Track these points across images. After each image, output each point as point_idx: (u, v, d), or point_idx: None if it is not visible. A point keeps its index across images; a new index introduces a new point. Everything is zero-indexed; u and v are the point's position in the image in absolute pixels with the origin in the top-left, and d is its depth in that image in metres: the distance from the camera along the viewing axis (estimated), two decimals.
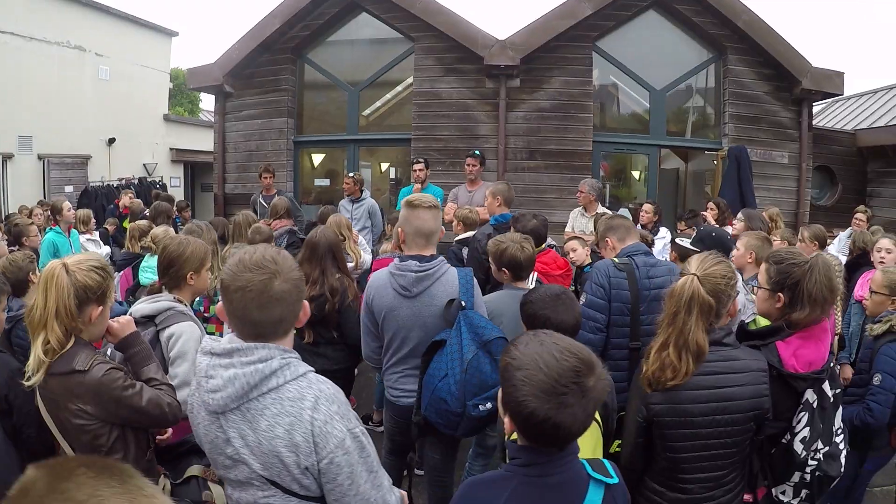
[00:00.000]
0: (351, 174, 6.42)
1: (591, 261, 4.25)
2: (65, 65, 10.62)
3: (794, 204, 7.51)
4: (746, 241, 3.21)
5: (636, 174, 9.22)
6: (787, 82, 7.29)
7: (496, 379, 2.07)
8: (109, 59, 11.38)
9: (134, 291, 3.81)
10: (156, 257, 3.79)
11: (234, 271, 1.30)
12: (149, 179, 11.83)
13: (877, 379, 2.56)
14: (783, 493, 2.02)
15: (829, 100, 9.59)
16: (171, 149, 13.10)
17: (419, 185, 6.03)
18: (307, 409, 1.28)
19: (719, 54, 7.42)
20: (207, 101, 22.47)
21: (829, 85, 7.27)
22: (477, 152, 5.82)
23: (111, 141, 11.43)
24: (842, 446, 2.00)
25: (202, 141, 14.21)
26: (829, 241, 4.88)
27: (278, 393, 1.29)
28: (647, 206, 5.89)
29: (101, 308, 1.77)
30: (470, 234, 4.25)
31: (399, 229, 2.43)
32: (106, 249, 6.15)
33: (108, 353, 1.98)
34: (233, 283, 1.29)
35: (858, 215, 5.97)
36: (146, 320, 2.20)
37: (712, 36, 7.28)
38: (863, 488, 2.78)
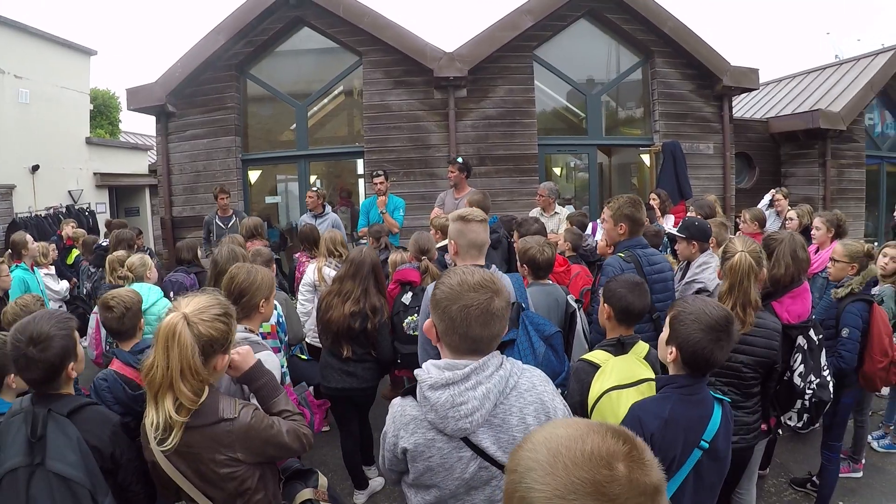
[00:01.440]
0: (314, 189, 6.37)
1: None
2: None
3: (721, 189, 8.23)
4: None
5: (557, 171, 9.75)
6: (709, 80, 7.99)
7: (563, 367, 2.42)
8: (29, 80, 10.59)
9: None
10: (136, 285, 3.74)
11: (458, 291, 1.43)
12: (76, 207, 11.12)
13: (845, 332, 3.08)
14: (790, 419, 2.68)
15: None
16: (95, 173, 12.30)
17: (383, 198, 6.13)
18: (542, 392, 1.48)
19: (646, 57, 8.01)
20: (128, 122, 21.37)
21: (747, 81, 8.03)
22: (459, 159, 5.86)
23: (35, 168, 10.67)
24: (828, 378, 2.64)
25: (126, 164, 13.61)
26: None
27: (516, 390, 1.46)
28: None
29: (226, 356, 1.69)
30: (445, 242, 4.48)
31: (452, 241, 2.51)
32: (64, 284, 5.85)
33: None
34: (455, 302, 1.42)
35: (779, 196, 6.64)
36: None
37: (640, 41, 7.86)
38: (844, 418, 3.36)
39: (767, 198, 6.59)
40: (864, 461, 3.76)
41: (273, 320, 3.08)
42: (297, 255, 5.40)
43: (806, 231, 5.29)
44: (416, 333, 3.37)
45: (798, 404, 2.61)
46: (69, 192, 11.44)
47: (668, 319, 1.85)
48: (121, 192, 13.46)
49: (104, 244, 6.05)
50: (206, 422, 1.59)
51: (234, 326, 1.72)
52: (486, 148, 7.38)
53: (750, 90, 8.58)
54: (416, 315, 3.50)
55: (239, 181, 7.70)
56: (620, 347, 2.26)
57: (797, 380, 2.59)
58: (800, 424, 2.66)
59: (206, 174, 7.75)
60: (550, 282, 3.24)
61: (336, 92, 8.17)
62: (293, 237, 7.87)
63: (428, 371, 1.45)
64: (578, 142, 7.98)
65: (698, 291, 3.45)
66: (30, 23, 10.75)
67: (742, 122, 9.48)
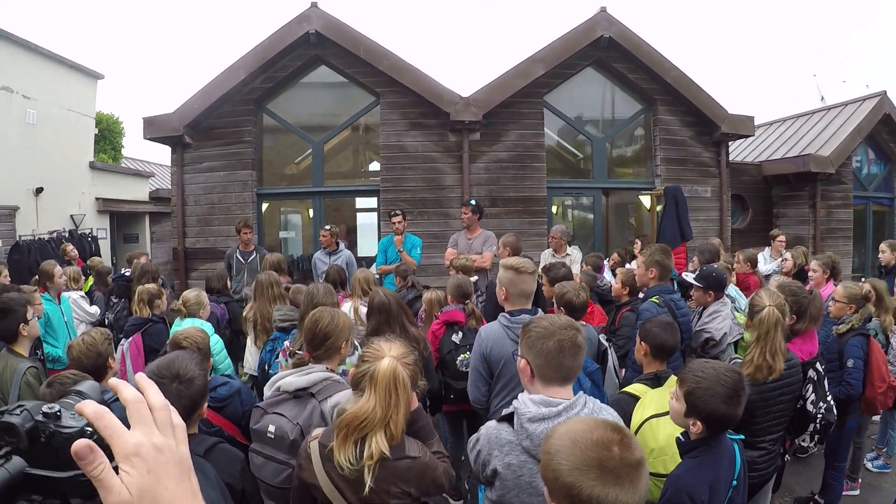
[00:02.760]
0: (327, 227, 6.47)
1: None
2: None
3: (718, 230, 8.59)
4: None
5: (553, 209, 10.05)
6: (708, 127, 8.38)
7: (603, 400, 2.68)
8: (37, 101, 10.60)
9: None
10: (188, 321, 3.84)
11: (550, 330, 1.76)
12: (79, 231, 11.09)
13: (850, 363, 3.50)
14: (803, 440, 3.06)
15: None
16: (97, 198, 12.29)
17: (399, 237, 6.34)
18: (607, 415, 1.75)
19: (649, 105, 8.38)
20: (131, 148, 21.22)
21: (743, 128, 8.45)
22: (472, 202, 6.13)
23: (39, 190, 10.66)
24: (832, 402, 3.03)
25: (127, 190, 13.61)
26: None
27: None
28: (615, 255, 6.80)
29: (414, 396, 1.85)
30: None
31: (503, 288, 2.78)
32: (95, 309, 5.86)
33: None
34: (550, 339, 1.74)
35: (780, 238, 7.13)
36: (301, 393, 2.24)
37: (644, 90, 8.23)
38: (848, 441, 3.78)
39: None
40: (860, 480, 4.20)
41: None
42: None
43: (800, 271, 5.73)
44: (467, 370, 3.53)
45: (810, 427, 2.97)
46: (71, 216, 11.41)
47: (682, 393, 1.98)
48: (121, 218, 13.42)
49: (125, 274, 6.10)
50: (394, 456, 1.73)
51: (419, 370, 1.92)
52: (498, 190, 7.65)
53: (746, 136, 9.00)
54: (467, 353, 3.67)
55: (254, 215, 7.82)
56: (656, 381, 2.57)
57: (809, 406, 2.95)
58: (812, 444, 3.11)
59: (221, 206, 7.87)
60: (584, 322, 3.56)
61: (349, 129, 8.37)
62: (296, 270, 8.00)
63: (526, 405, 1.71)
64: (585, 185, 8.30)
65: (706, 341, 3.79)
66: (38, 42, 10.75)
67: (736, 165, 9.91)
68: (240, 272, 6.69)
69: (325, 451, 1.78)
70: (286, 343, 3.52)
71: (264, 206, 8.22)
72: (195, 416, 1.88)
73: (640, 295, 4.11)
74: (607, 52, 8.00)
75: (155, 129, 7.86)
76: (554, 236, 6.41)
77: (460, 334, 3.85)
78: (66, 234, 10.67)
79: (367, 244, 9.52)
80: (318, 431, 1.91)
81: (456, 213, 7.50)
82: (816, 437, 3.01)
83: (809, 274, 5.24)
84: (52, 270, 5.16)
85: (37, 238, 10.15)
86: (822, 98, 12.97)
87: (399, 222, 6.30)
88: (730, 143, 9.30)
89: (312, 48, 7.67)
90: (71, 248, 7.83)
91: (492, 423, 1.81)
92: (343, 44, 7.46)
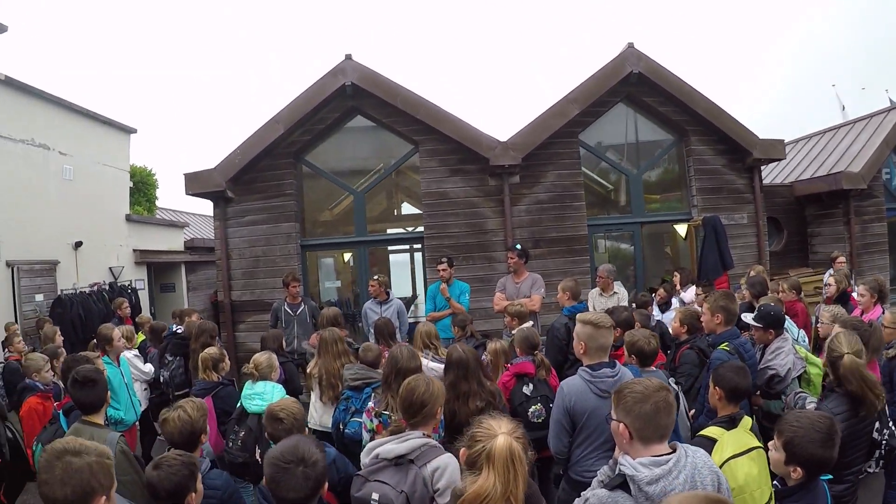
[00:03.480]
0: (376, 277, 6.56)
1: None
2: (30, 164, 9.99)
3: (757, 256, 8.61)
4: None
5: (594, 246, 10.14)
6: (740, 154, 8.42)
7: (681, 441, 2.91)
8: (73, 157, 10.87)
9: (240, 419, 3.82)
10: (260, 384, 3.90)
11: (645, 394, 1.92)
12: (119, 284, 11.29)
13: None
14: (870, 466, 3.12)
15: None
16: (134, 250, 12.52)
17: (445, 285, 6.43)
18: (711, 465, 1.91)
19: (681, 136, 8.45)
20: (164, 199, 21.53)
21: (774, 152, 8.49)
22: (518, 246, 6.25)
23: (78, 244, 10.88)
24: (893, 428, 3.11)
25: (163, 240, 13.85)
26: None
27: (697, 468, 1.87)
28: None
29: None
30: (525, 325, 4.83)
31: (582, 343, 3.01)
32: (149, 367, 5.93)
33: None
34: (646, 402, 1.90)
35: (840, 259, 7.55)
36: (401, 460, 2.30)
37: (675, 122, 8.31)
38: None
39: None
40: None
41: None
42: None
43: (843, 295, 5.69)
44: (539, 421, 3.75)
45: (876, 453, 3.05)
46: (110, 268, 11.62)
47: (780, 443, 2.16)
48: (157, 268, 13.61)
49: (178, 331, 6.09)
50: None
51: (528, 441, 2.04)
52: (540, 231, 7.73)
53: (777, 160, 9.03)
54: (538, 404, 3.84)
55: (299, 266, 7.94)
56: (731, 423, 2.69)
57: (875, 434, 3.03)
58: (877, 469, 3.20)
59: (265, 259, 7.98)
60: (654, 368, 3.73)
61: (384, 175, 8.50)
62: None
63: (638, 469, 1.82)
64: (625, 220, 8.37)
65: (771, 378, 3.87)
66: (73, 99, 11.02)
67: (768, 188, 9.93)
68: (289, 325, 6.75)
69: None
70: (370, 404, 3.63)
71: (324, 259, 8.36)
72: (318, 496, 1.95)
73: (705, 336, 4.20)
74: (637, 86, 8.10)
75: (198, 185, 7.95)
76: (601, 275, 6.53)
77: (531, 386, 3.94)
78: (107, 287, 10.86)
79: (401, 285, 9.67)
80: None
81: (500, 256, 7.61)
82: (882, 461, 3.11)
83: (857, 298, 5.24)
84: (111, 334, 5.07)
85: (78, 291, 10.34)
86: (843, 107, 12.98)
87: (444, 270, 6.42)
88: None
89: (348, 100, 7.82)
90: (126, 306, 7.93)
91: (603, 493, 1.90)
92: (380, 94, 7.59)
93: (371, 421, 3.52)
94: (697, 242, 8.17)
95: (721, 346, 3.70)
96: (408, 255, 11.14)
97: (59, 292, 10.20)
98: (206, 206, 11.08)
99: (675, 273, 7.06)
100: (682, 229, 8.85)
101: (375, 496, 2.19)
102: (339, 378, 4.29)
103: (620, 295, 6.55)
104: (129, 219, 12.49)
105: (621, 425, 1.93)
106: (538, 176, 7.79)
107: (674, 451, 1.90)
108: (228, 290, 8.12)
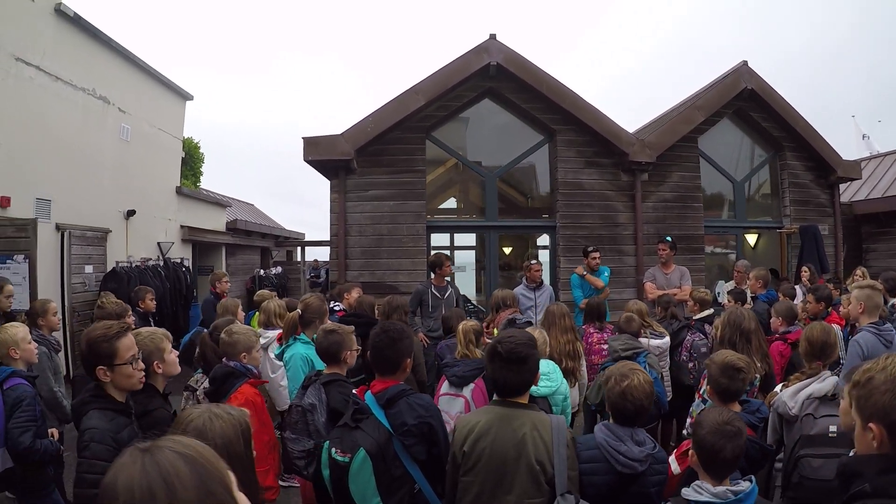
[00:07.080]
0: (534, 261, 6.57)
1: None
2: (89, 117, 8.97)
3: (835, 265, 9.33)
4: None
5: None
6: (826, 171, 9.14)
7: None
8: (131, 116, 9.89)
9: None
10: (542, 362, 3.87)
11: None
12: (172, 261, 10.26)
13: None
14: None
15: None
16: (182, 226, 11.45)
17: (588, 273, 6.78)
18: None
19: (776, 152, 9.07)
20: (209, 176, 19.45)
21: (853, 172, 9.29)
22: (668, 238, 6.53)
23: (131, 213, 9.88)
24: None
25: (208, 219, 12.77)
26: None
27: None
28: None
29: None
30: (707, 312, 5.18)
31: (861, 304, 3.65)
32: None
33: None
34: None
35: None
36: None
37: (774, 138, 8.91)
38: None
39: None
40: None
41: None
42: (584, 326, 5.50)
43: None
44: None
45: None
46: (158, 243, 10.64)
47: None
48: (200, 248, 12.58)
49: (334, 307, 5.65)
50: None
51: None
52: (664, 228, 8.00)
53: (854, 179, 9.88)
54: None
55: (425, 248, 7.71)
56: None
57: None
58: None
59: (390, 238, 7.69)
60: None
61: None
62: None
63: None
64: (732, 224, 8.82)
65: None
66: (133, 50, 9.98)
67: None
68: (436, 309, 6.55)
69: None
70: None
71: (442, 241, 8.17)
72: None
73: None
74: (746, 101, 8.63)
75: (319, 151, 7.44)
76: (738, 270, 6.93)
77: None
78: (161, 264, 9.96)
79: (465, 279, 9.50)
80: None
81: (629, 249, 7.83)
82: None
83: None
84: (324, 308, 4.74)
85: (133, 265, 9.43)
86: (865, 136, 14.31)
87: (597, 258, 6.66)
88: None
89: (488, 80, 7.78)
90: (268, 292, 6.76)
91: None
92: (525, 78, 7.61)
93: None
94: (789, 249, 8.79)
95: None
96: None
97: (114, 264, 9.24)
98: (243, 191, 10.24)
99: (803, 269, 7.42)
100: (751, 238, 9.45)
101: (832, 428, 2.65)
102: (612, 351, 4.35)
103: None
104: (179, 192, 11.49)
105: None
106: (664, 175, 8.10)
107: None
108: (344, 269, 7.72)
